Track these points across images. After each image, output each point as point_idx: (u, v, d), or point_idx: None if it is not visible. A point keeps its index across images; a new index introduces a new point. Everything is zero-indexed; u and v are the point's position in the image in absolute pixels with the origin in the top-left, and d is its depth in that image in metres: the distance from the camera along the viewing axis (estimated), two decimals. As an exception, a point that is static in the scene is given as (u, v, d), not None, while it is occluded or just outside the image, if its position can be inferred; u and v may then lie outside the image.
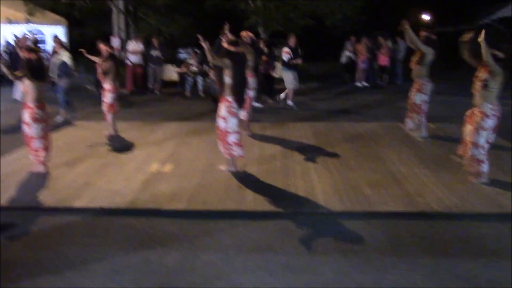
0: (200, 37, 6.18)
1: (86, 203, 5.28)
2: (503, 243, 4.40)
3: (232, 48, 6.02)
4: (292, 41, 11.64)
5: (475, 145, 5.75)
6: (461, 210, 5.07)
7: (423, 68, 7.89)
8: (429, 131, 8.30)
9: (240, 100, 6.14)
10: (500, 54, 5.64)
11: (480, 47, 5.55)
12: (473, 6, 33.72)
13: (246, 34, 8.15)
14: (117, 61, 8.68)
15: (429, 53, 7.81)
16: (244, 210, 5.13)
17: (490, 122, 5.69)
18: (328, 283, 3.73)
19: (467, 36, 6.11)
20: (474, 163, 5.85)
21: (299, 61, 11.50)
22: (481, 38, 5.51)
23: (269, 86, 13.01)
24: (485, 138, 5.74)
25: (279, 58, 15.29)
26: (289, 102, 11.66)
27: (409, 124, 8.32)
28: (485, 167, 5.82)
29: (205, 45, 6.11)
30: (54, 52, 10.65)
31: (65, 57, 9.93)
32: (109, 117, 8.46)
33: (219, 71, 6.28)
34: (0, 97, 12.00)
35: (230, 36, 6.86)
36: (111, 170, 6.46)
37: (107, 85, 8.33)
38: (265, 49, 12.17)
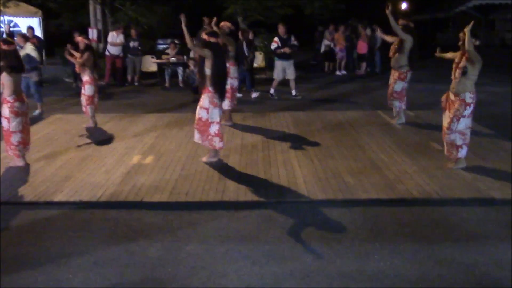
0: (182, 18, 6.13)
1: (67, 197, 5.22)
2: (482, 228, 4.48)
3: (211, 39, 5.98)
4: (281, 30, 11.39)
5: (454, 131, 5.83)
6: (440, 196, 5.15)
7: (403, 56, 7.96)
8: (408, 118, 8.39)
9: (221, 90, 6.12)
10: (477, 42, 5.72)
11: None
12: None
13: (225, 24, 8.13)
14: (94, 52, 8.56)
15: (409, 41, 7.88)
16: (226, 201, 5.13)
17: (469, 109, 5.77)
18: (312, 270, 3.76)
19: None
20: (453, 149, 5.94)
21: (286, 49, 11.18)
22: (468, 28, 5.57)
23: (249, 76, 13.00)
24: (465, 124, 5.83)
25: (261, 47, 15.29)
26: (271, 90, 11.55)
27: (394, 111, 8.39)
28: (463, 153, 5.91)
29: (185, 29, 6.07)
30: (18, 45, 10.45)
31: (28, 49, 9.67)
32: (88, 109, 8.37)
33: (200, 62, 6.26)
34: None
35: (211, 28, 6.83)
36: (92, 163, 6.40)
37: (85, 77, 8.23)
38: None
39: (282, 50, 11.20)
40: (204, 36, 6.05)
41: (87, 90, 8.23)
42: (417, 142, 7.20)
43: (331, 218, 4.74)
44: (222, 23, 8.14)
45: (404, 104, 8.25)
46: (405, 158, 6.42)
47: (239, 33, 11.71)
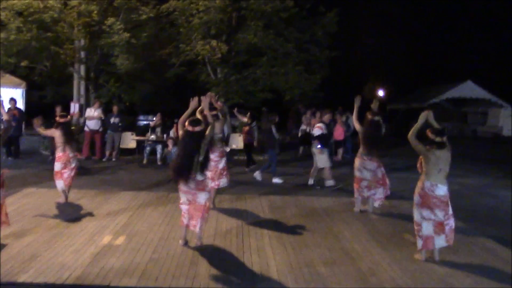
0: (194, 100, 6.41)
1: (32, 278, 5.05)
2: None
3: (189, 128, 6.04)
4: (326, 117, 11.09)
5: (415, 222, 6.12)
6: (413, 291, 5.12)
7: (363, 146, 8.28)
8: (383, 208, 8.47)
9: (183, 175, 6.06)
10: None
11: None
12: (424, 86, 35.74)
13: (221, 105, 8.36)
14: (69, 127, 8.55)
15: (362, 133, 8.28)
16: (196, 288, 5.02)
17: (417, 199, 6.03)
18: None
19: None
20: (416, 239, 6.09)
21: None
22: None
23: (248, 155, 13.28)
24: (416, 214, 6.05)
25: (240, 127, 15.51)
26: (330, 182, 10.82)
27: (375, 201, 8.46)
28: (418, 244, 6.03)
29: (190, 108, 6.34)
30: None
31: None
32: (56, 183, 8.31)
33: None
34: None
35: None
36: (61, 242, 6.25)
37: (58, 151, 8.25)
38: (247, 120, 12.58)
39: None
40: (186, 124, 6.10)
41: (55, 165, 8.25)
42: (391, 233, 7.23)
43: (302, 311, 4.65)
44: (219, 103, 8.43)
45: (359, 193, 8.40)
46: (378, 249, 6.42)
47: (266, 118, 11.95)
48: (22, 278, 5.04)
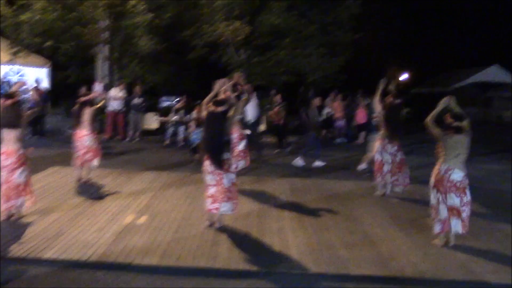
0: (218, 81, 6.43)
1: (56, 255, 5.17)
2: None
3: (212, 108, 6.06)
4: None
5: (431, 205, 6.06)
6: (433, 276, 5.08)
7: (383, 129, 8.19)
8: (404, 192, 8.40)
9: (215, 159, 6.10)
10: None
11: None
12: (449, 70, 35.10)
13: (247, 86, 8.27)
14: (82, 107, 8.50)
15: (381, 115, 8.19)
16: (217, 268, 5.06)
17: (432, 182, 5.99)
18: None
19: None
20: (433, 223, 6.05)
21: None
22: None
23: (280, 136, 13.24)
24: (432, 196, 6.01)
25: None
26: (364, 167, 10.54)
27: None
28: (435, 229, 5.97)
29: (215, 90, 6.36)
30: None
31: None
32: (86, 163, 8.41)
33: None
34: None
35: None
36: (85, 220, 6.37)
37: (84, 130, 8.32)
38: (277, 100, 12.54)
39: None
40: (212, 106, 6.11)
41: (84, 143, 8.30)
42: (412, 217, 7.17)
43: (322, 293, 4.67)
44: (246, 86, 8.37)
45: (381, 176, 8.31)
46: (399, 233, 6.39)
47: (312, 101, 11.70)
48: (47, 255, 5.16)
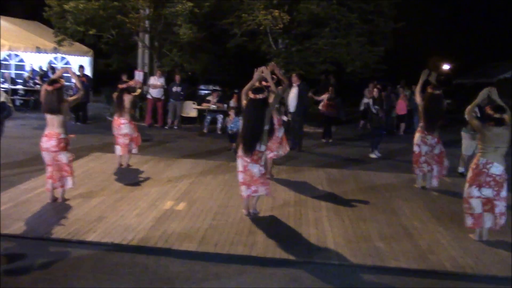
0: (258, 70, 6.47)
1: (99, 238, 5.32)
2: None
3: (252, 96, 6.07)
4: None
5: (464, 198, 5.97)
6: (474, 271, 4.99)
7: (423, 121, 8.05)
8: (444, 185, 8.26)
9: (246, 145, 6.12)
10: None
11: None
12: (494, 61, 34.00)
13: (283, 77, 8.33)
14: (121, 95, 8.60)
15: (420, 106, 8.06)
16: (254, 256, 5.11)
17: (470, 175, 5.87)
18: None
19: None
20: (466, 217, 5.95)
21: None
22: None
23: (327, 127, 13.57)
24: (467, 191, 5.90)
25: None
26: (460, 169, 9.57)
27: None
28: (467, 222, 5.88)
29: (254, 79, 6.42)
30: None
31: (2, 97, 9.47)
32: (126, 150, 8.58)
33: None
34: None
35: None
36: (125, 205, 6.52)
37: (123, 118, 8.48)
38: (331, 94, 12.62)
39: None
40: (251, 94, 6.12)
41: (125, 130, 8.48)
42: (452, 211, 7.05)
43: (358, 284, 4.66)
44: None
45: (419, 169, 8.19)
46: (438, 227, 6.29)
47: (367, 91, 11.85)
48: (90, 238, 5.31)
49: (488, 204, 5.76)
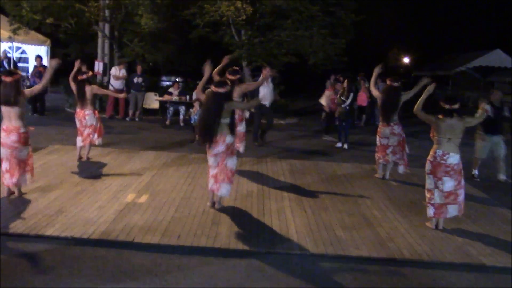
0: (207, 64, 6.33)
1: (58, 232, 5.21)
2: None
3: (213, 89, 6.03)
4: (496, 96, 9.02)
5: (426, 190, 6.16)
6: (430, 258, 5.15)
7: (381, 113, 8.33)
8: (403, 175, 8.46)
9: (201, 137, 6.16)
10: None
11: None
12: (451, 53, 34.94)
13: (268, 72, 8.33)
14: (83, 85, 8.36)
15: (379, 99, 8.35)
16: (217, 247, 5.12)
17: (428, 167, 6.04)
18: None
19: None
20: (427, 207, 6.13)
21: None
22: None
23: (327, 123, 13.47)
24: (428, 182, 6.09)
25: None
26: (474, 171, 9.07)
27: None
28: (429, 211, 6.05)
29: (206, 74, 6.31)
30: None
31: None
32: (88, 142, 8.41)
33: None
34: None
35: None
36: (86, 198, 6.41)
37: (86, 109, 8.30)
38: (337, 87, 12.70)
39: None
40: (213, 87, 6.08)
41: (90, 120, 8.29)
42: (411, 200, 7.24)
43: (320, 273, 4.73)
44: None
45: (384, 159, 8.37)
46: (397, 216, 6.45)
47: (344, 83, 11.95)
48: (49, 232, 5.20)
49: (451, 196, 5.94)
